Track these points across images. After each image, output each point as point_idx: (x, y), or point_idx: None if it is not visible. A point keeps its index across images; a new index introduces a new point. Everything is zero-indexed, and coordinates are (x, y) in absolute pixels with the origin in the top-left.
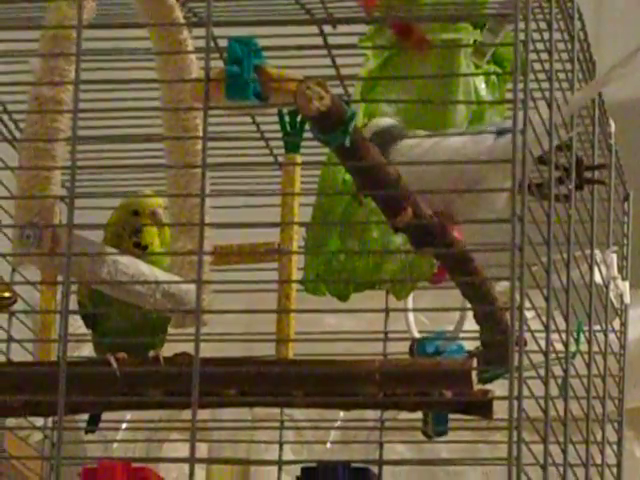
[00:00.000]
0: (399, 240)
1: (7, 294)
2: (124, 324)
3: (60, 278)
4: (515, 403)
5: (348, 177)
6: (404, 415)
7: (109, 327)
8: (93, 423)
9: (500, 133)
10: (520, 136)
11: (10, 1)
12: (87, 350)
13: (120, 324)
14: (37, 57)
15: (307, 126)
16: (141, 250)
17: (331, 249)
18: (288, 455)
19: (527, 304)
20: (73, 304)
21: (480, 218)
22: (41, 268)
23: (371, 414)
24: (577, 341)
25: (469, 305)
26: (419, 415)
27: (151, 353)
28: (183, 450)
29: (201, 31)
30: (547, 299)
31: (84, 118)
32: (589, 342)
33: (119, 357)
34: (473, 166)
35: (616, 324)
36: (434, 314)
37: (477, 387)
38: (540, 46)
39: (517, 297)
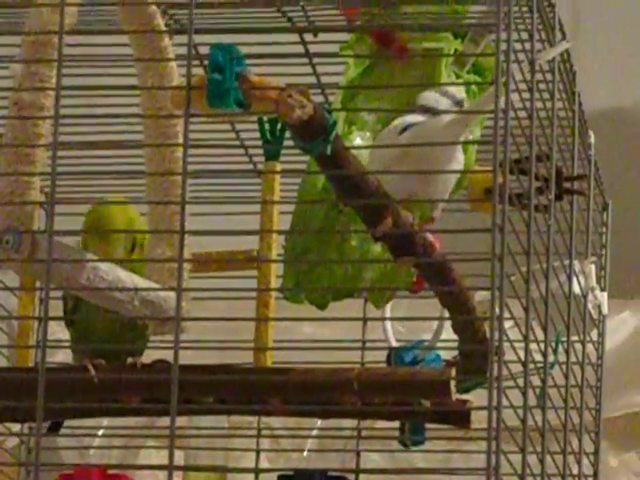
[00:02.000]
0: (378, 249)
1: None
2: (103, 328)
3: (39, 283)
4: (494, 413)
5: (327, 185)
6: (381, 424)
7: (88, 328)
8: (55, 429)
9: (405, 129)
10: (501, 147)
11: None
12: (62, 356)
13: (99, 327)
14: (18, 62)
15: (287, 134)
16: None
17: (310, 257)
18: (265, 463)
19: (506, 314)
20: (52, 310)
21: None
22: (20, 274)
23: (348, 423)
24: (555, 351)
25: (447, 314)
26: (396, 424)
27: (129, 360)
28: (157, 458)
29: (182, 38)
30: (526, 309)
31: (65, 124)
32: (567, 352)
33: (97, 364)
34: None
35: (594, 334)
36: (410, 323)
37: (455, 397)
38: (521, 56)
39: (496, 307)
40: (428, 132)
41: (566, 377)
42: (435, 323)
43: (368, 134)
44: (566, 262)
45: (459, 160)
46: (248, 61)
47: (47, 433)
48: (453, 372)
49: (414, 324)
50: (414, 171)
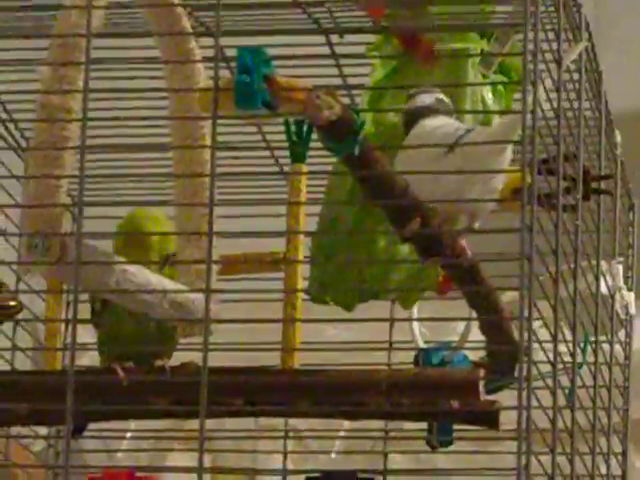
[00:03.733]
0: (406, 250)
1: (12, 303)
2: (131, 330)
3: (66, 286)
4: (524, 413)
5: (355, 187)
6: (408, 425)
7: (116, 331)
8: (79, 432)
9: (452, 147)
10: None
11: (20, 9)
12: (87, 359)
13: (127, 330)
14: (45, 65)
15: (313, 135)
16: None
17: (339, 259)
18: (292, 465)
19: (534, 314)
20: (80, 313)
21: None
22: (49, 277)
23: (375, 424)
24: (583, 352)
25: (475, 315)
26: (422, 425)
27: (157, 362)
28: (183, 460)
29: (209, 41)
30: (555, 309)
31: (92, 127)
32: (595, 353)
33: (125, 366)
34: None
35: (621, 335)
36: (435, 325)
37: (483, 397)
38: (548, 56)
39: (525, 307)
40: (480, 148)
41: (594, 377)
42: (460, 325)
43: None
44: (593, 262)
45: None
46: (275, 63)
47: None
48: (482, 373)
49: (439, 326)
50: (447, 172)
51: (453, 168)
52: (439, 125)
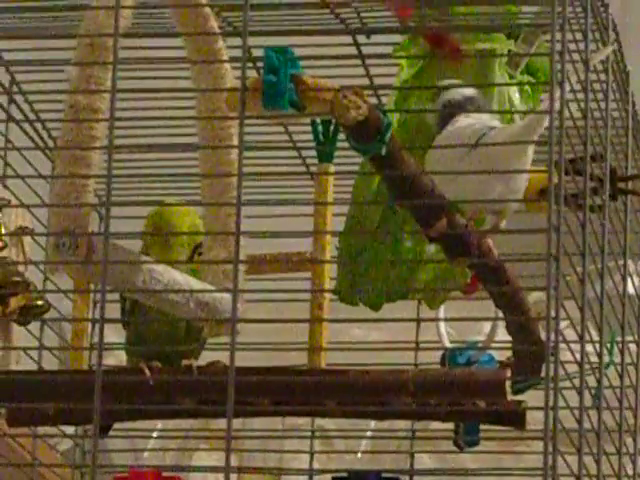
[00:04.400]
0: (432, 250)
1: (39, 302)
2: (159, 330)
3: (93, 286)
4: (551, 413)
5: (382, 186)
6: (434, 425)
7: (144, 330)
8: (105, 431)
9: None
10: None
11: (47, 9)
12: (112, 359)
13: (155, 329)
14: (73, 65)
15: (340, 135)
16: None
17: (365, 259)
18: (318, 465)
19: (561, 314)
20: (107, 313)
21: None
22: (76, 276)
23: (402, 424)
24: (610, 352)
25: (501, 315)
26: (448, 425)
27: (184, 362)
28: (209, 460)
29: (236, 41)
30: (582, 309)
31: (120, 127)
32: (622, 353)
33: (153, 366)
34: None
35: None
36: (460, 325)
37: (510, 397)
38: (575, 56)
39: (552, 307)
40: (501, 146)
41: (621, 377)
42: (486, 325)
43: None
44: (620, 262)
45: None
46: (302, 63)
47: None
48: (508, 373)
49: (465, 326)
50: (465, 172)
51: (474, 167)
52: (470, 123)
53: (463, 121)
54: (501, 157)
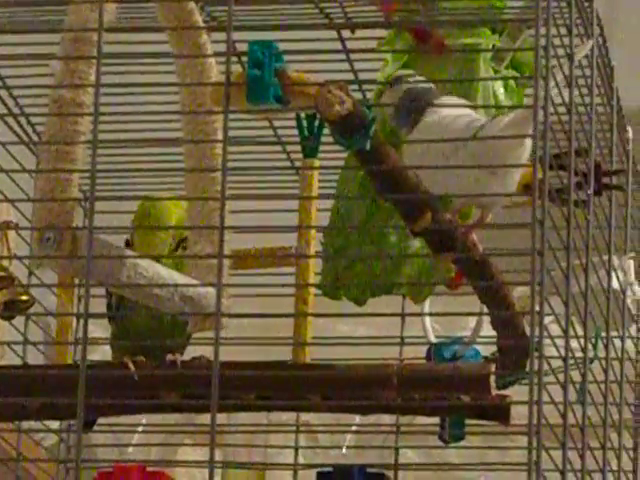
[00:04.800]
0: (417, 244)
1: (24, 297)
2: (144, 324)
3: (78, 281)
4: (535, 408)
5: (365, 180)
6: (419, 420)
7: (129, 325)
8: (89, 426)
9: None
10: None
11: (32, 4)
12: (98, 354)
13: (140, 324)
14: (57, 60)
15: (324, 130)
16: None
17: (350, 253)
18: (303, 460)
19: (546, 309)
20: (92, 308)
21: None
22: (60, 271)
23: (387, 419)
24: (595, 347)
25: (486, 310)
26: (433, 420)
27: (169, 357)
28: (194, 454)
29: (221, 35)
30: (566, 304)
31: (104, 121)
32: (606, 348)
33: (137, 361)
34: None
35: (633, 330)
36: (446, 320)
37: (494, 392)
38: (560, 51)
39: (537, 302)
40: (497, 141)
41: (605, 372)
42: (472, 320)
43: None
44: (605, 257)
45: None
46: (286, 57)
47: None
48: (493, 367)
49: (450, 321)
50: (458, 166)
51: (471, 160)
52: (459, 115)
53: (445, 113)
54: (499, 151)
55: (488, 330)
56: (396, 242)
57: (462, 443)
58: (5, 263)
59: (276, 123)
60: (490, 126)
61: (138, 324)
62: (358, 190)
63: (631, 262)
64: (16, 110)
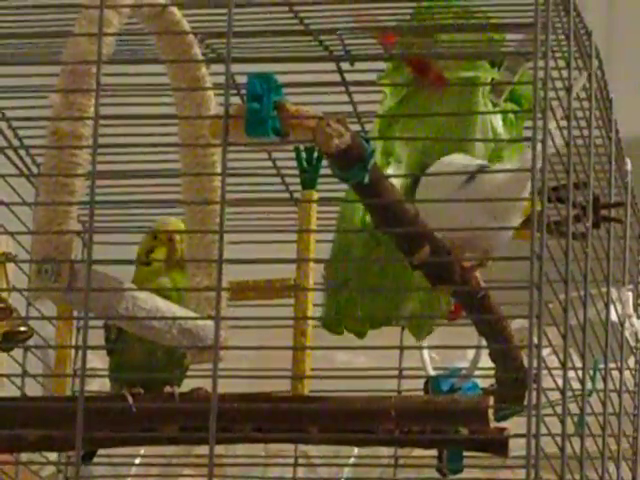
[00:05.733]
0: (417, 278)
1: (22, 328)
2: (142, 357)
3: (77, 313)
4: (533, 441)
5: (368, 217)
6: (418, 452)
7: (127, 357)
8: (89, 458)
9: (472, 177)
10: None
11: (31, 36)
12: (97, 385)
13: (138, 356)
14: (56, 92)
15: (323, 162)
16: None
17: (351, 287)
18: None
19: (544, 342)
20: (91, 339)
21: (497, 256)
22: (58, 303)
23: (385, 451)
24: (593, 379)
25: (484, 342)
26: (432, 452)
27: (167, 389)
28: None
29: (219, 67)
30: (564, 337)
31: (103, 153)
32: (605, 380)
33: (135, 393)
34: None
35: (631, 362)
36: (444, 351)
37: (493, 425)
38: (558, 84)
39: (535, 335)
40: (499, 184)
41: (604, 405)
42: (470, 352)
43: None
44: (603, 290)
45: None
46: (285, 90)
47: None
48: (491, 400)
49: (448, 352)
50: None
51: (465, 204)
52: (455, 159)
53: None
54: (496, 200)
55: (486, 362)
56: (397, 275)
57: (461, 476)
58: (4, 295)
59: (275, 155)
60: (489, 178)
61: (136, 357)
62: (360, 223)
63: (629, 294)
64: (15, 142)
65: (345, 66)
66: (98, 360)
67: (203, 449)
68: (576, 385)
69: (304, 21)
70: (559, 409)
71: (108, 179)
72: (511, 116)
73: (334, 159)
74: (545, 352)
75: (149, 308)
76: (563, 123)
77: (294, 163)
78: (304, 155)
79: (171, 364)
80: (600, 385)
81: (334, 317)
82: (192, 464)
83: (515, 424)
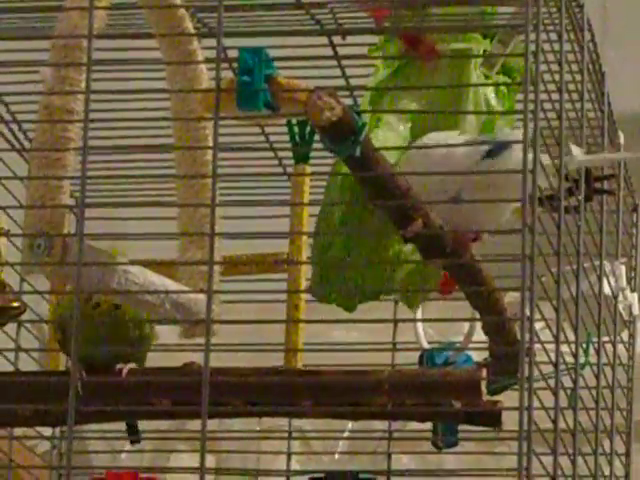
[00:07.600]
0: (409, 250)
1: (16, 304)
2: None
3: (69, 287)
4: (525, 414)
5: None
6: (412, 426)
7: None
8: (134, 433)
9: (490, 153)
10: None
11: (21, 10)
12: None
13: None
14: (48, 66)
15: (316, 136)
16: None
17: (334, 254)
18: (296, 466)
19: (537, 315)
20: None
21: (490, 229)
22: (51, 277)
23: (379, 425)
24: (586, 352)
25: (478, 316)
26: (427, 426)
27: (118, 366)
28: (189, 461)
29: (211, 42)
30: (557, 310)
31: (94, 128)
32: (598, 353)
33: (127, 368)
34: (454, 177)
35: (625, 335)
36: (439, 325)
37: (486, 398)
38: (550, 57)
39: (527, 308)
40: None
41: (597, 378)
42: (464, 325)
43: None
44: (596, 263)
45: None
46: (277, 64)
47: (131, 438)
48: (484, 373)
49: (443, 326)
50: (419, 172)
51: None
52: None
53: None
54: (509, 185)
55: (480, 335)
56: (387, 248)
57: (456, 449)
58: None
59: (268, 129)
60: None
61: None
62: (340, 192)
63: (622, 267)
64: (7, 117)
65: (337, 40)
66: None
67: (197, 423)
68: (569, 359)
69: None
70: (552, 382)
71: (100, 154)
72: (503, 88)
73: (325, 132)
74: (538, 326)
75: (142, 282)
76: (555, 96)
77: (287, 137)
78: (296, 129)
79: (138, 341)
80: (593, 359)
81: (322, 286)
82: (186, 438)
83: (509, 398)
